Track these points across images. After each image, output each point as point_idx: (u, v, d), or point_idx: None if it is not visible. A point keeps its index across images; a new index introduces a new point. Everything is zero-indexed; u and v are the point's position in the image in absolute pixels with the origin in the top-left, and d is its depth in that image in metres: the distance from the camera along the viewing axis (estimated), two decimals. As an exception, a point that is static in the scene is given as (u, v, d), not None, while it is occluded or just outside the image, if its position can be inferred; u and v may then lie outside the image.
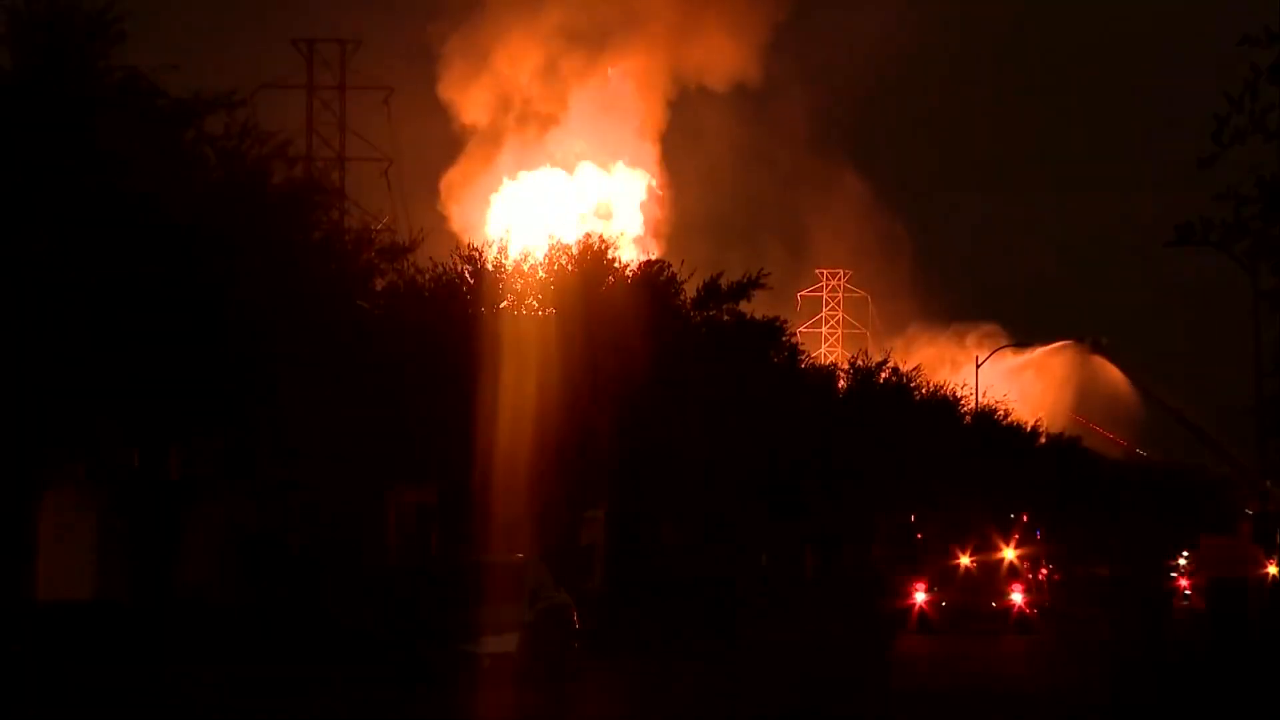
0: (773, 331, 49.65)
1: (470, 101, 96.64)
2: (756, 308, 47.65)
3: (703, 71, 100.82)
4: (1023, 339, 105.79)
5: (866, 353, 68.09)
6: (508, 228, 42.73)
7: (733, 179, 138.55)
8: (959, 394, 74.28)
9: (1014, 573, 49.97)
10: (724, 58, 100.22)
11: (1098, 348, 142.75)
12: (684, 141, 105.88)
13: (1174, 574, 77.73)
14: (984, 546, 50.38)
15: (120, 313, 26.54)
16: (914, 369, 69.54)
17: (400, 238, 36.58)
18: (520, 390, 38.44)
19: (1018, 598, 49.19)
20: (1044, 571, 63.10)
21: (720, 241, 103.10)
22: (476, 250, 41.72)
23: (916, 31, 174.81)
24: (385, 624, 30.03)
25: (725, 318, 45.40)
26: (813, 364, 63.09)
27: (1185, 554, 77.70)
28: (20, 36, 26.96)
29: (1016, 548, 50.66)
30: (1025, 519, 55.16)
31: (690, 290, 44.03)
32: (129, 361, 27.05)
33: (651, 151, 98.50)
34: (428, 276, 40.69)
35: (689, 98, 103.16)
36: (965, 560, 50.01)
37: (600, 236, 42.42)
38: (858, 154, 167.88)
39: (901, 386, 66.60)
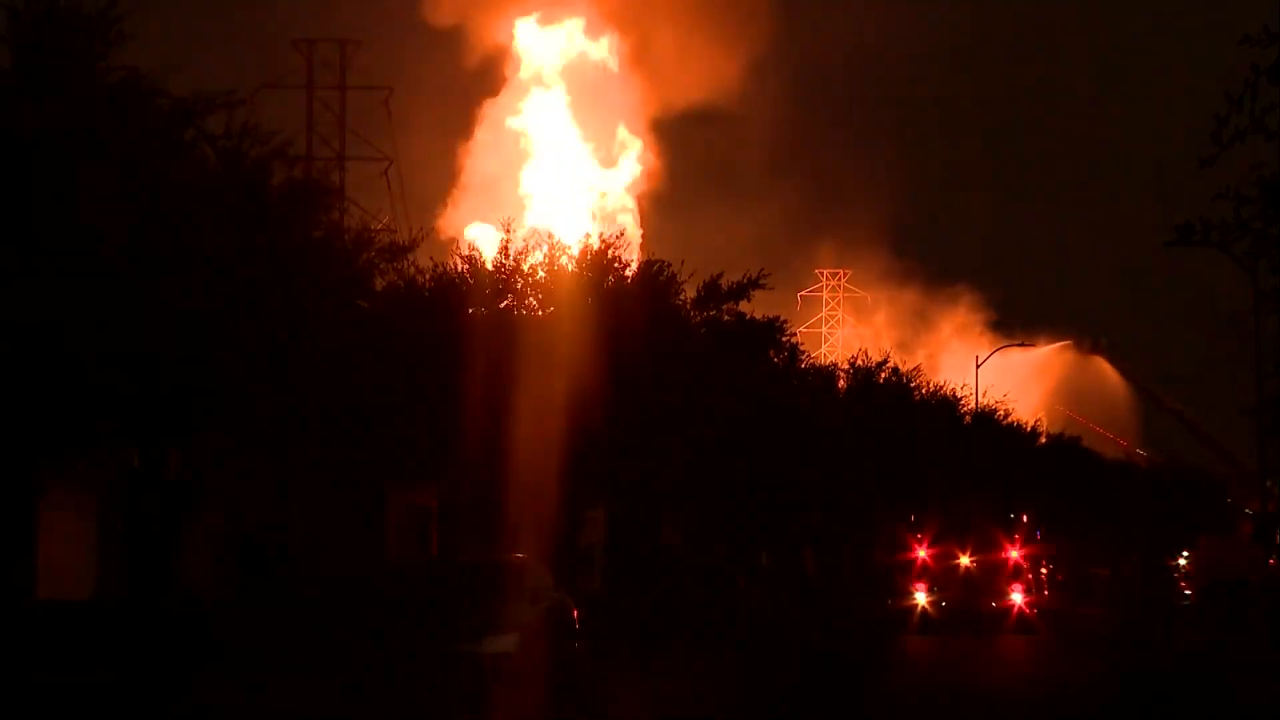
0: (773, 331, 49.62)
1: (471, 100, 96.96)
2: (757, 307, 47.67)
3: (702, 75, 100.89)
4: (1023, 339, 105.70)
5: (866, 353, 68.12)
6: (508, 227, 42.59)
7: (732, 177, 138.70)
8: (959, 394, 74.29)
9: (1015, 573, 49.98)
10: (718, 63, 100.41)
11: (1097, 347, 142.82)
12: (685, 141, 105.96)
13: (1174, 574, 77.74)
14: (985, 547, 50.36)
15: (120, 312, 26.53)
16: (914, 369, 69.57)
17: (400, 238, 36.60)
18: (520, 390, 38.42)
19: (1018, 598, 49.20)
20: (1044, 571, 63.11)
21: (721, 239, 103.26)
22: (476, 250, 41.74)
23: (919, 28, 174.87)
24: (385, 624, 30.00)
25: (726, 318, 45.39)
26: (813, 364, 63.08)
27: (1185, 554, 77.67)
28: (20, 36, 26.95)
29: (1017, 548, 50.63)
30: (1026, 519, 55.14)
31: (690, 290, 44.04)
32: (129, 361, 27.05)
33: (650, 153, 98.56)
34: (428, 276, 40.71)
35: (689, 98, 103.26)
36: (966, 560, 49.99)
37: (601, 236, 42.43)
38: (858, 152, 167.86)
39: (902, 386, 66.61)
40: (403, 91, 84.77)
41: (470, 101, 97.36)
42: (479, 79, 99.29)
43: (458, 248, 42.38)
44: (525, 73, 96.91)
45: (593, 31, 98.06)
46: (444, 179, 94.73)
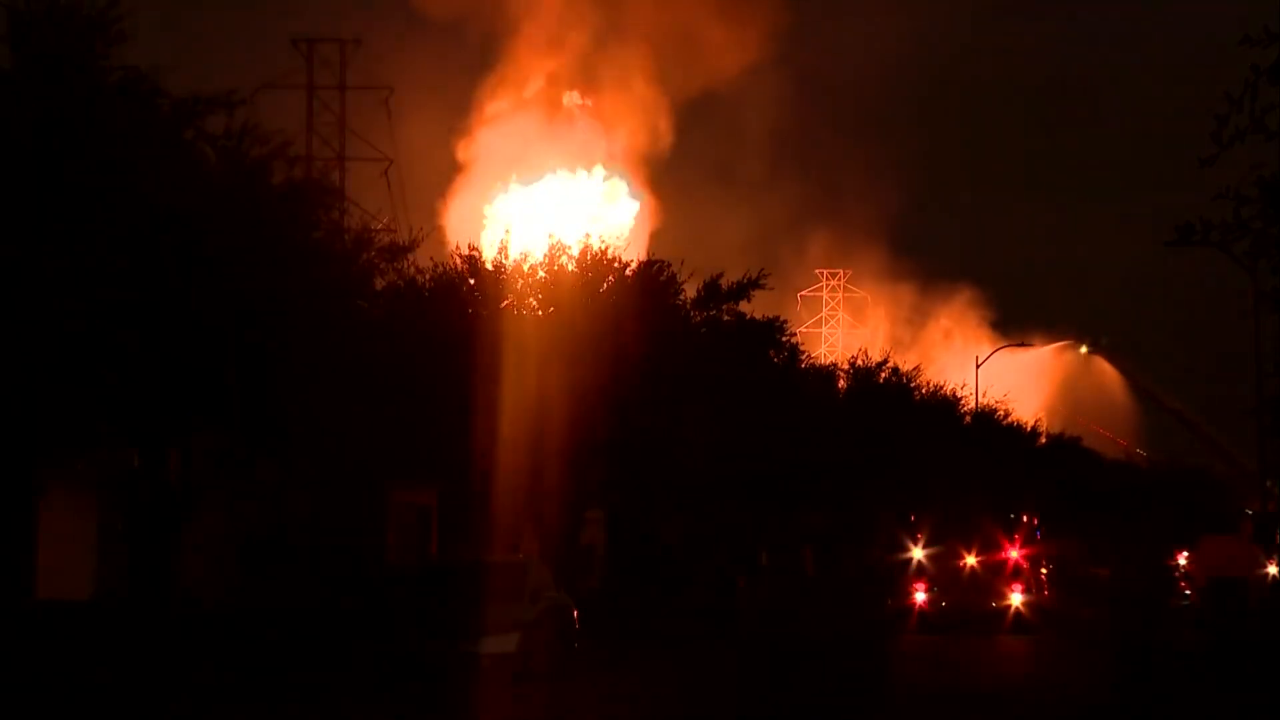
0: (773, 331, 49.62)
1: (472, 102, 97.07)
2: (757, 308, 47.67)
3: (704, 75, 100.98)
4: (1022, 339, 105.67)
5: (866, 353, 68.12)
6: (507, 227, 42.67)
7: (730, 180, 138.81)
8: (959, 394, 74.28)
9: (1014, 573, 49.91)
10: (724, 62, 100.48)
11: (1097, 348, 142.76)
12: (687, 142, 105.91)
13: (1174, 574, 77.64)
14: (984, 546, 50.30)
15: (120, 312, 26.53)
16: (914, 368, 69.58)
17: (400, 238, 36.59)
18: (520, 390, 38.43)
19: (1018, 598, 49.12)
20: (1044, 572, 63.12)
21: (721, 239, 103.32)
22: (476, 250, 41.75)
23: (919, 29, 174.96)
24: (385, 624, 30.02)
25: (726, 318, 45.39)
26: (813, 364, 63.09)
27: (1185, 554, 77.59)
28: (20, 36, 26.94)
29: (1017, 548, 50.59)
30: (1026, 519, 55.13)
31: (690, 290, 44.04)
32: (129, 361, 27.04)
33: (649, 156, 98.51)
34: (428, 276, 40.71)
35: (691, 100, 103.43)
36: (965, 560, 49.94)
37: (601, 236, 42.42)
38: (858, 152, 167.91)
39: (902, 386, 66.61)
40: (403, 91, 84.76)
41: (470, 98, 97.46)
42: (478, 74, 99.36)
43: (458, 247, 42.39)
44: (524, 68, 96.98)
45: (593, 27, 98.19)
46: (445, 178, 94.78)
